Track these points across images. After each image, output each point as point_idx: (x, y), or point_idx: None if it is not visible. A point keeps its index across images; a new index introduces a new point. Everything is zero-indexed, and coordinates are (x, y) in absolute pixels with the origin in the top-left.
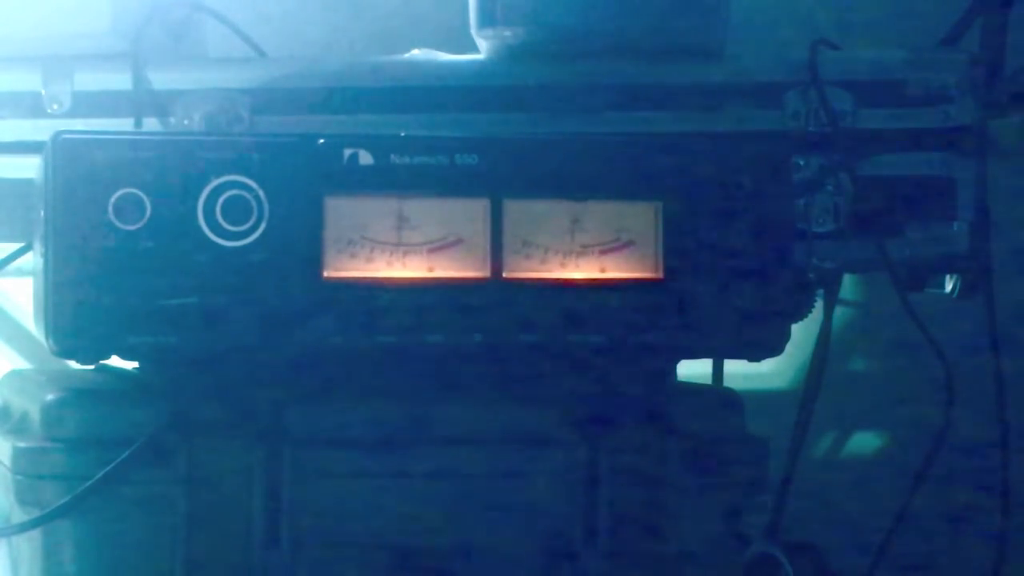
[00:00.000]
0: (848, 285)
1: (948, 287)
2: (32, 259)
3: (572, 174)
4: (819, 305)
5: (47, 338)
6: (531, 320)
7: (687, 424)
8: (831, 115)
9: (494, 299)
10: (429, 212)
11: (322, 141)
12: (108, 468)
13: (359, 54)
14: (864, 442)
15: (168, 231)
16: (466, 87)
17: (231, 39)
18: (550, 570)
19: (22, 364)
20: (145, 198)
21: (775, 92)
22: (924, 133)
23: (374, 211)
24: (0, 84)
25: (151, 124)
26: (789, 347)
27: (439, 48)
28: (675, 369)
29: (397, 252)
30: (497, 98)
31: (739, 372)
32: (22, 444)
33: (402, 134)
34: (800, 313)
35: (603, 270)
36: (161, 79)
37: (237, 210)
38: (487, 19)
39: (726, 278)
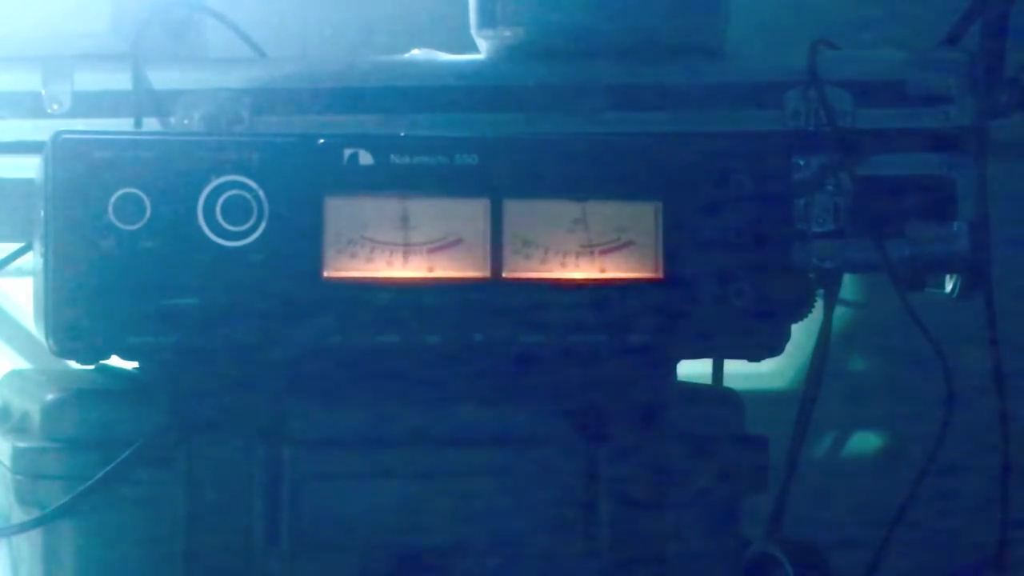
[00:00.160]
0: (848, 285)
1: (948, 287)
2: (32, 259)
3: (572, 174)
4: (819, 305)
5: (47, 338)
6: (531, 320)
7: (687, 424)
8: (831, 115)
9: (494, 299)
10: (429, 212)
11: (322, 141)
12: (108, 468)
13: (359, 54)
14: (864, 442)
15: (168, 231)
16: (466, 87)
17: (231, 39)
18: (550, 570)
19: (22, 364)
20: (145, 198)
21: (775, 92)
22: (924, 133)
23: (374, 211)
24: (0, 84)
25: (151, 124)
26: (789, 347)
27: (439, 48)
28: (675, 369)
29: (397, 252)
30: (497, 98)
31: (739, 372)
32: (22, 444)
33: (402, 134)
34: (800, 313)
35: (603, 270)
36: (161, 79)
37: (237, 210)
38: (487, 19)
39: (726, 278)
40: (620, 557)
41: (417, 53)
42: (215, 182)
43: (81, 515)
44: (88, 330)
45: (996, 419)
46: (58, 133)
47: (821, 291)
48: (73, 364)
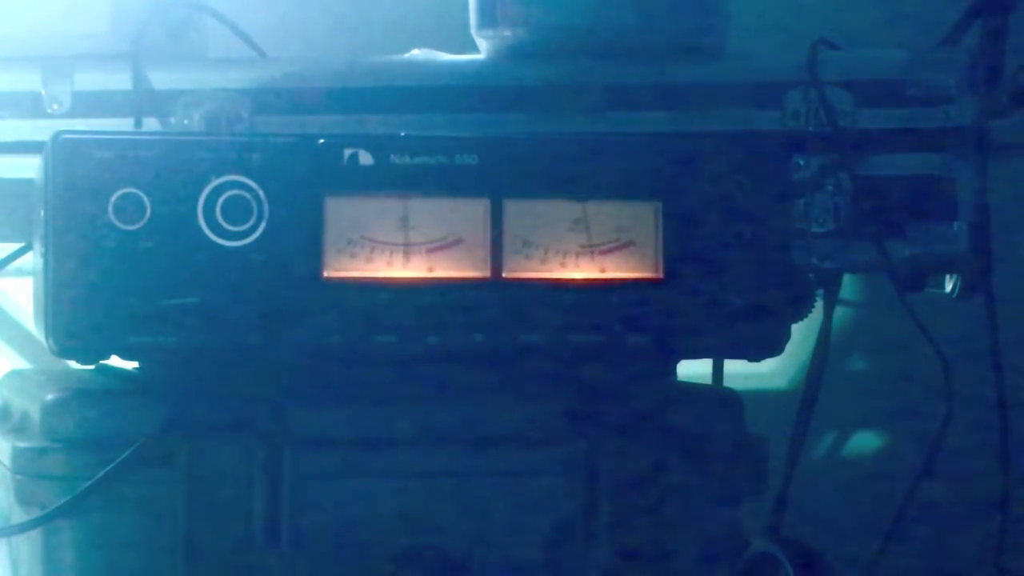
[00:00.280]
0: (848, 285)
1: (948, 287)
2: (32, 259)
3: (572, 174)
4: (819, 305)
5: (47, 338)
6: (531, 320)
7: (687, 424)
8: (831, 115)
9: (494, 299)
10: (429, 212)
11: (322, 141)
12: (108, 468)
13: (359, 54)
14: (864, 442)
15: (168, 231)
16: (466, 87)
17: (231, 39)
18: (550, 570)
19: (22, 364)
20: (145, 198)
21: (775, 92)
22: (924, 133)
23: (374, 211)
24: (0, 84)
25: (151, 124)
26: (789, 347)
27: (439, 48)
28: (675, 369)
29: (397, 252)
30: (497, 98)
31: (739, 372)
32: (22, 444)
33: (402, 134)
34: (800, 313)
35: (603, 270)
36: (161, 79)
37: (237, 210)
38: (487, 19)
39: (726, 278)
40: (620, 557)
41: (417, 53)
42: (215, 182)
43: (81, 515)
44: (88, 330)
45: (996, 419)
46: (58, 133)
47: (821, 291)
48: (73, 364)
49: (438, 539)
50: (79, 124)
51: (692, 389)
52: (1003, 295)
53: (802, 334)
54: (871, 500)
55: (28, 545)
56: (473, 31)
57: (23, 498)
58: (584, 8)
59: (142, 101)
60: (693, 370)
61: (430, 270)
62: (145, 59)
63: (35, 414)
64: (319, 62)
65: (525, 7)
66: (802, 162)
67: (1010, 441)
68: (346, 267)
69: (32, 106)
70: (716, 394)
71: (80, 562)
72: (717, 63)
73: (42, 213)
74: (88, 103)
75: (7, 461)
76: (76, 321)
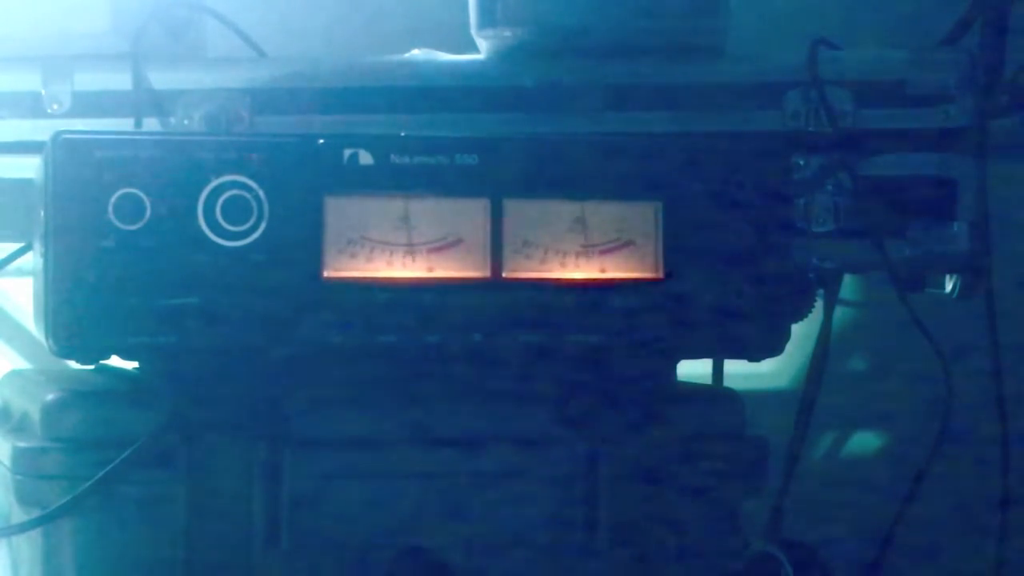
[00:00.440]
0: (848, 285)
1: (948, 287)
2: (32, 259)
3: (572, 174)
4: (819, 305)
5: (47, 338)
6: (531, 320)
7: (687, 424)
8: (831, 115)
9: (494, 299)
10: (429, 212)
11: (322, 141)
12: (108, 468)
13: (359, 54)
14: (864, 442)
15: (168, 231)
16: (466, 87)
17: (231, 39)
18: (550, 570)
19: (22, 364)
20: (145, 198)
21: (775, 92)
22: (924, 133)
23: (374, 211)
24: (0, 84)
25: (151, 124)
26: (789, 347)
27: (439, 48)
28: (675, 369)
29: (397, 252)
30: (497, 98)
31: (739, 372)
32: (22, 444)
33: (402, 134)
34: (800, 313)
35: (603, 270)
36: (161, 79)
37: (237, 210)
38: (487, 19)
39: (726, 278)
40: (620, 557)
41: (417, 53)
42: (215, 182)
43: (81, 515)
44: (88, 330)
45: (996, 419)
46: (58, 133)
47: (821, 291)
48: (73, 364)
49: (438, 539)
50: (79, 124)
51: (692, 389)
52: (1003, 295)
53: (802, 334)
54: (871, 500)
55: (28, 545)
56: (473, 31)
57: (23, 498)
58: (584, 8)
59: (142, 101)
60: (693, 370)
61: (430, 270)
62: (145, 59)
63: (35, 414)
64: (319, 62)
65: (525, 7)
66: (802, 162)
67: (1010, 441)
68: (346, 267)
69: (32, 106)
70: (716, 394)
71: (80, 562)
72: (717, 63)
73: (42, 213)
74: (88, 103)
75: (7, 461)
76: (76, 321)
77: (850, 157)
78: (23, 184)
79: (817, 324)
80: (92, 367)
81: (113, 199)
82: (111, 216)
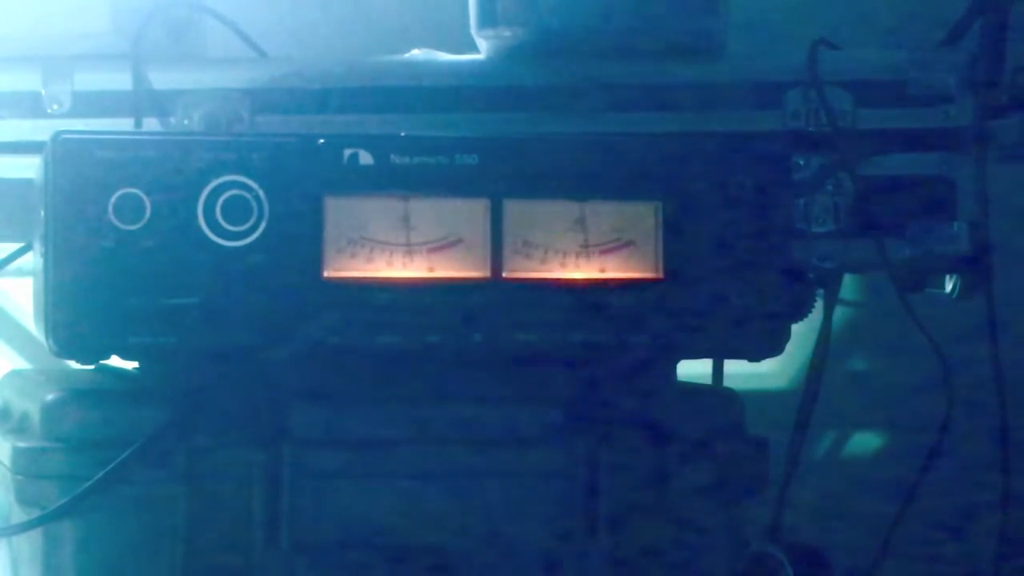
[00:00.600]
0: (848, 285)
1: (948, 287)
2: (32, 259)
3: (572, 174)
4: (819, 305)
5: (47, 338)
6: (531, 320)
7: (687, 424)
8: (831, 115)
9: (494, 299)
10: (429, 212)
11: (322, 141)
12: (108, 468)
13: (359, 54)
14: (864, 442)
15: (168, 231)
16: (466, 87)
17: (231, 39)
18: (550, 570)
19: (22, 364)
20: (145, 198)
21: (775, 92)
22: (924, 133)
23: (374, 211)
24: (0, 84)
25: (151, 124)
26: (789, 347)
27: (439, 48)
28: (675, 369)
29: (397, 252)
30: (497, 98)
31: (739, 372)
32: (22, 444)
33: (402, 134)
34: (800, 313)
35: (603, 270)
36: (161, 79)
37: (237, 210)
38: (487, 19)
39: (726, 278)
40: (620, 557)
41: (417, 53)
42: (215, 182)
43: (81, 515)
44: (88, 330)
45: (996, 419)
46: (58, 133)
47: (821, 291)
48: (73, 364)
49: (438, 539)
50: (79, 124)
51: (692, 389)
52: (1003, 295)
53: (802, 334)
54: (871, 500)
55: (28, 545)
56: (473, 31)
57: (23, 498)
58: (584, 8)
59: (142, 101)
60: (693, 370)
61: (430, 270)
62: (145, 59)
63: (35, 414)
64: (319, 62)
65: (525, 7)
66: (802, 162)
67: (1010, 441)
68: (346, 267)
69: (32, 106)
70: (716, 394)
71: (80, 562)
72: (717, 63)
73: (42, 213)
74: (88, 103)
75: (7, 461)
76: (76, 321)
77: (850, 157)
78: (23, 184)
79: (817, 324)
80: (92, 367)
81: (113, 199)
82: (111, 216)
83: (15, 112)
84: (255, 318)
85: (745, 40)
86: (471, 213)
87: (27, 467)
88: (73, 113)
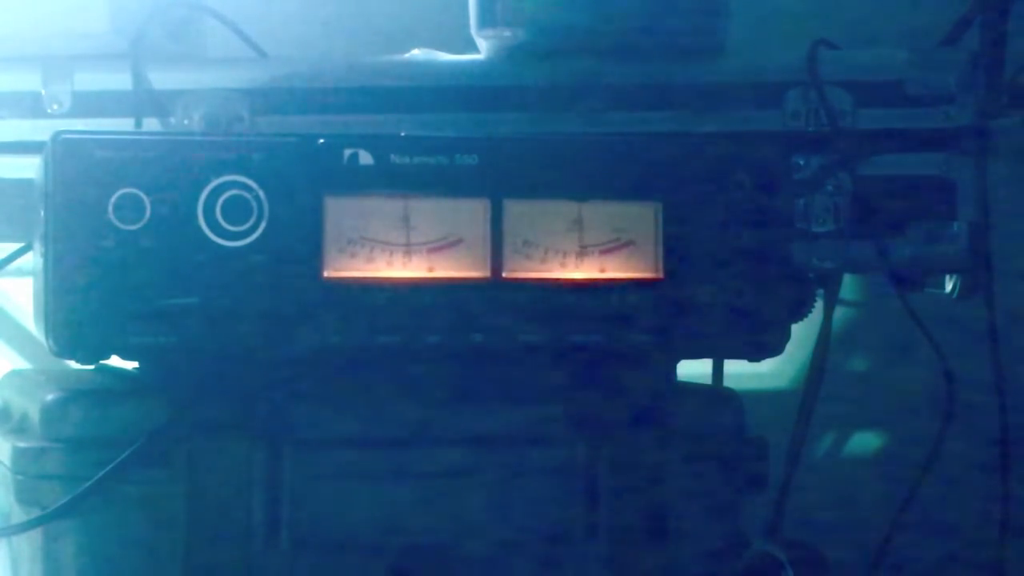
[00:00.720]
0: (848, 285)
1: (948, 287)
2: (32, 259)
3: (572, 174)
4: (819, 305)
5: (47, 338)
6: (531, 320)
7: (687, 424)
8: (831, 115)
9: (494, 299)
10: (429, 212)
11: (322, 141)
12: (108, 468)
13: (359, 54)
14: (864, 442)
15: (168, 231)
16: (466, 87)
17: (231, 39)
18: (550, 570)
19: (22, 364)
20: (145, 198)
21: (775, 92)
22: (924, 133)
23: (374, 211)
24: (0, 84)
25: (151, 124)
26: (789, 347)
27: (439, 48)
28: (675, 369)
29: (397, 252)
30: (497, 98)
31: (739, 372)
32: (22, 444)
33: (402, 134)
34: (800, 313)
35: (603, 270)
36: (161, 79)
37: (237, 210)
38: (487, 19)
39: (726, 278)
40: (620, 557)
41: (417, 53)
42: (215, 182)
43: (81, 515)
44: (88, 330)
45: (996, 419)
46: (58, 133)
47: (821, 291)
48: (73, 364)
49: (438, 539)
50: (79, 124)
51: (692, 389)
52: (1003, 295)
53: (802, 334)
54: (871, 500)
55: (28, 545)
56: (473, 31)
57: (23, 498)
58: (584, 8)
59: (142, 101)
60: (693, 370)
61: (430, 270)
62: (145, 59)
63: (35, 414)
64: (319, 62)
65: (525, 7)
66: (802, 162)
67: (1010, 441)
68: (346, 267)
69: (32, 106)
70: (716, 394)
71: (80, 562)
72: (717, 63)
73: (42, 213)
74: (88, 103)
75: (7, 461)
76: (76, 321)
77: (850, 157)
78: (23, 184)
79: (817, 324)
80: (92, 367)
81: (113, 199)
82: (111, 216)
83: (15, 112)
84: (255, 318)
85: (745, 40)
86: (471, 213)
87: (27, 467)
88: (73, 113)
